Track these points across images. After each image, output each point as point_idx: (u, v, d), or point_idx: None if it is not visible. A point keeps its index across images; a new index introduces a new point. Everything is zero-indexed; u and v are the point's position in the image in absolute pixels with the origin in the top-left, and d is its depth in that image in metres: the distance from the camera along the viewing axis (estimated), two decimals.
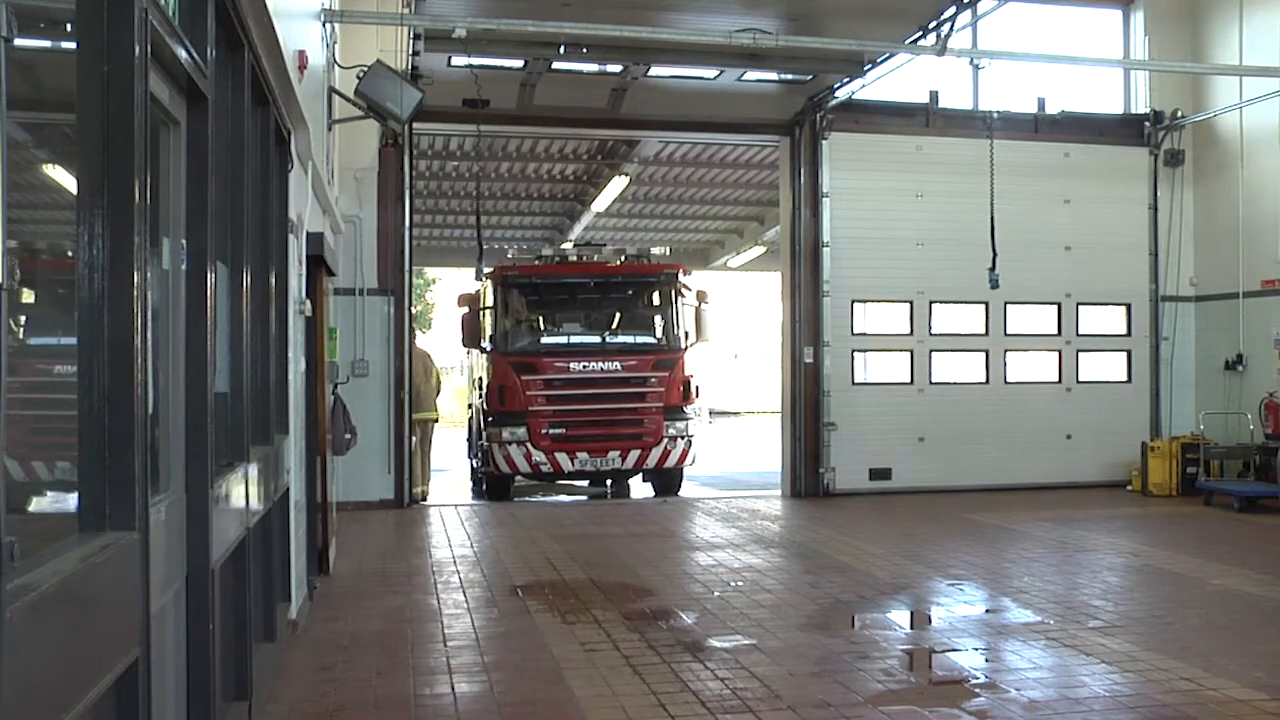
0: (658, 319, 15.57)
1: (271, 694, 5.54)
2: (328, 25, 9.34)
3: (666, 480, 15.41)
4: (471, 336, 15.33)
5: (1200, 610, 7.51)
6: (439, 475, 16.73)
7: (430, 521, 11.89)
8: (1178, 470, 13.74)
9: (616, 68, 13.64)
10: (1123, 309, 15.29)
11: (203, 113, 3.91)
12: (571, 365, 14.40)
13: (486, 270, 14.04)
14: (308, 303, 7.52)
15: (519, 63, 13.11)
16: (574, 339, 15.12)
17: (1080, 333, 15.11)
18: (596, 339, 15.10)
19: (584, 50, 12.05)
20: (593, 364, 14.47)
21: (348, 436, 9.40)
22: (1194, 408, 14.93)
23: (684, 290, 15.43)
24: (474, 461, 16.34)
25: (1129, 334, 15.29)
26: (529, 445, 14.19)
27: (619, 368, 14.58)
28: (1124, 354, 15.31)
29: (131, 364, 2.68)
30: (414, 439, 13.29)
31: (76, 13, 2.61)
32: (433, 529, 11.37)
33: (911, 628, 7.33)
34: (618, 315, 15.90)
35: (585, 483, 16.27)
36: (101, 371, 2.61)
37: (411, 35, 11.48)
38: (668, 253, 16.70)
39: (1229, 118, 14.56)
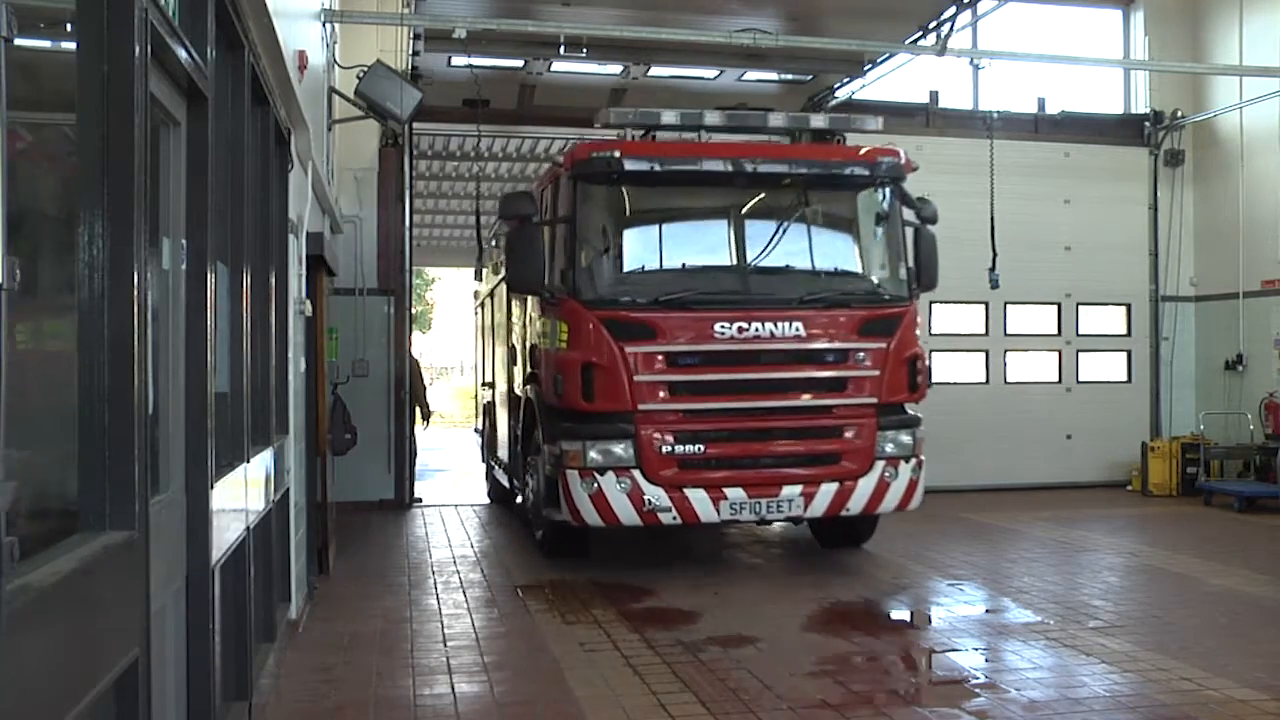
0: (866, 246, 9.26)
1: (271, 694, 5.54)
2: (328, 25, 9.35)
3: (853, 523, 9.34)
4: (526, 272, 8.59)
5: (1200, 610, 7.51)
6: (439, 475, 16.72)
7: (431, 521, 11.88)
8: (1178, 470, 13.73)
9: (616, 68, 13.64)
10: (1123, 309, 15.29)
11: (203, 113, 3.91)
12: (718, 327, 8.20)
13: (558, 160, 8.78)
14: (308, 303, 7.52)
15: (519, 63, 13.11)
16: (721, 282, 8.63)
17: (1080, 333, 15.10)
18: (764, 281, 8.66)
19: (584, 50, 12.05)
20: (757, 325, 8.27)
21: (347, 436, 9.40)
22: (1194, 408, 14.93)
23: (908, 198, 9.18)
24: (522, 486, 10.13)
25: (1129, 334, 15.28)
26: (637, 476, 8.09)
27: (801, 333, 8.37)
28: (1124, 354, 15.31)
29: (131, 364, 2.68)
30: None
31: (76, 13, 2.62)
32: (433, 529, 11.37)
33: (911, 628, 7.33)
34: (799, 237, 9.12)
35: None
36: (101, 371, 2.61)
37: (411, 35, 11.49)
38: (879, 125, 9.43)
39: (1229, 118, 14.55)
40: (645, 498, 8.13)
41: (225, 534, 4.25)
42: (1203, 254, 15.10)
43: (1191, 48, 15.01)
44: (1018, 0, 13.07)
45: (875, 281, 9.10)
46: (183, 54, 3.47)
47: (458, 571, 8.96)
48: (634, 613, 7.41)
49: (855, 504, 8.55)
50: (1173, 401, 15.13)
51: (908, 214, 9.12)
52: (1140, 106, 15.32)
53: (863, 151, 9.29)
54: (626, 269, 8.63)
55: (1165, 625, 7.09)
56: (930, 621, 7.44)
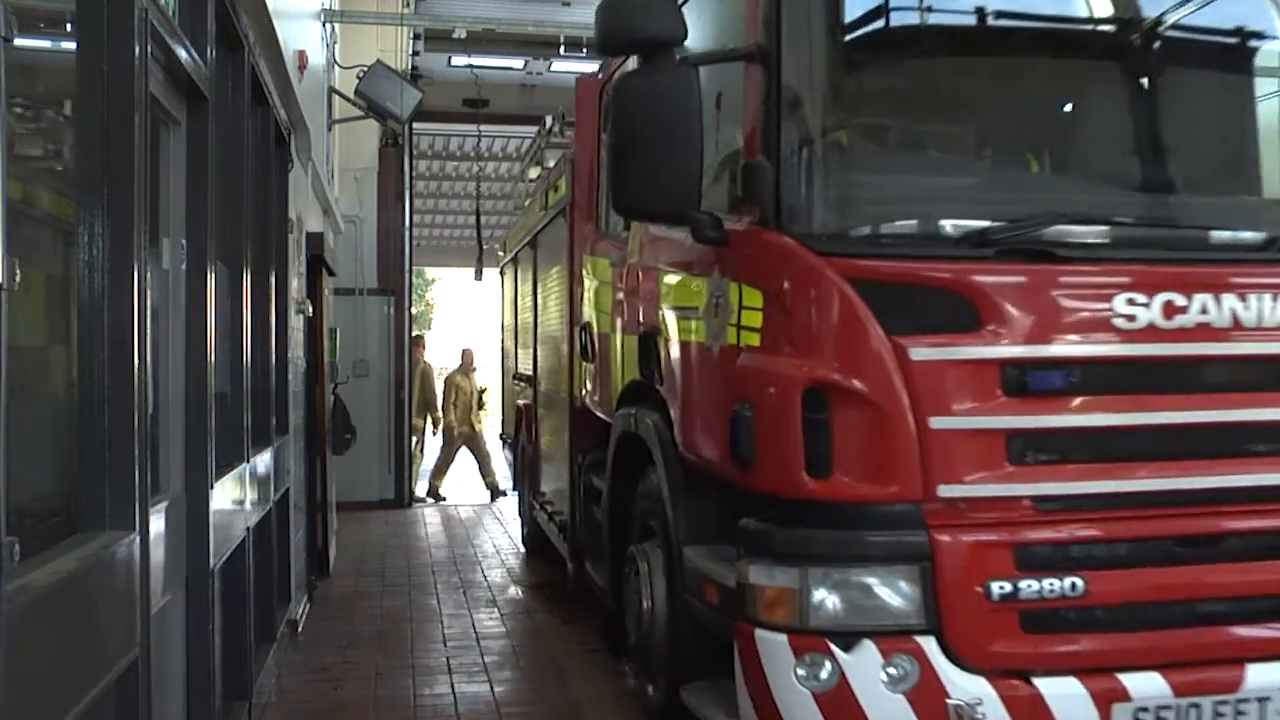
0: None
1: (272, 694, 5.54)
2: (328, 25, 9.36)
3: None
4: (659, 172, 3.63)
5: None
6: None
7: (431, 521, 11.88)
8: None
9: None
10: None
11: (203, 113, 3.92)
12: (1122, 304, 3.50)
13: None
14: (308, 303, 7.52)
15: (519, 62, 13.12)
16: (1111, 203, 3.89)
17: None
18: (1196, 206, 3.99)
19: (584, 50, 12.06)
20: (1205, 300, 3.54)
21: (347, 436, 9.40)
22: None
23: None
24: (611, 587, 5.63)
25: None
26: (932, 652, 3.38)
27: None
28: None
29: (131, 364, 2.68)
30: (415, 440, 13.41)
31: (76, 13, 2.62)
32: (433, 529, 11.37)
33: None
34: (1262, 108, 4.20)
35: None
36: (101, 371, 2.62)
37: (411, 35, 11.50)
38: None
39: None
40: (951, 704, 3.43)
41: (225, 534, 4.25)
42: None
43: None
44: None
45: None
46: (183, 54, 3.47)
47: (458, 571, 8.95)
48: None
49: None
50: None
51: None
52: None
53: None
54: (899, 170, 4.02)
55: None
56: None
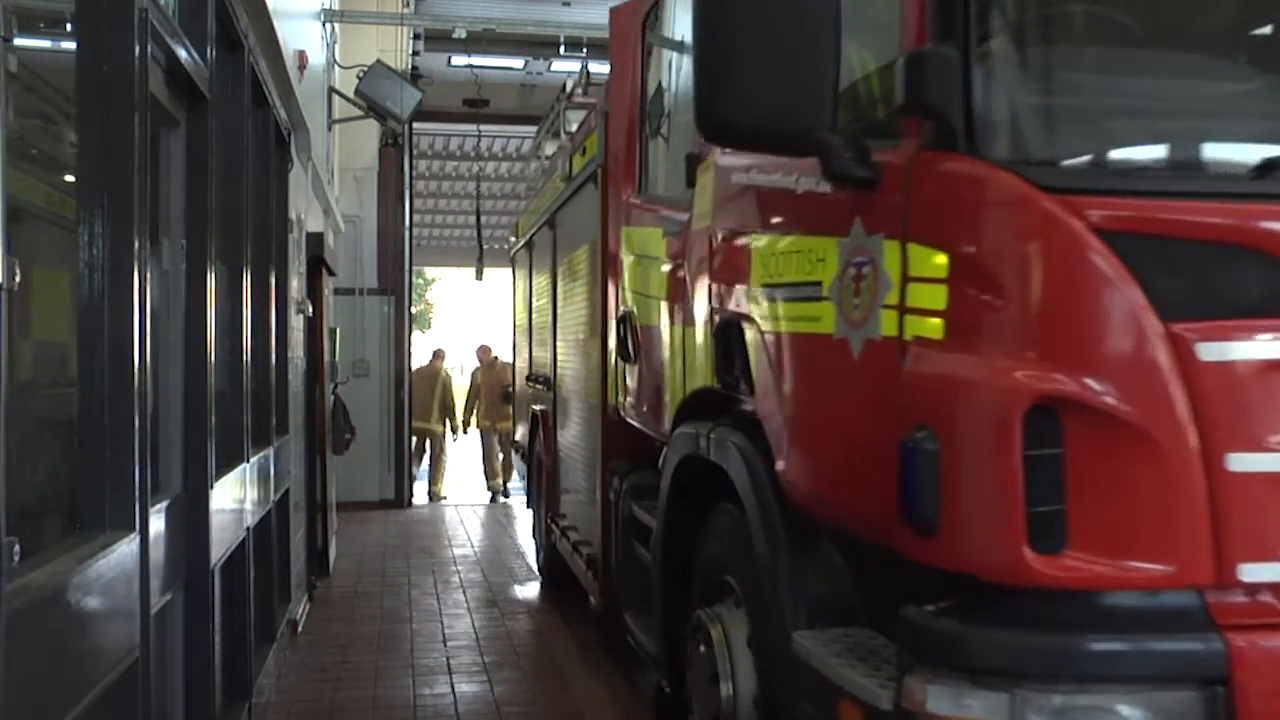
0: None
1: (271, 694, 5.54)
2: (328, 25, 9.36)
3: None
4: (779, 76, 2.34)
5: None
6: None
7: (431, 521, 11.88)
8: None
9: None
10: None
11: (203, 113, 3.91)
12: None
13: None
14: (308, 303, 7.52)
15: (519, 62, 13.13)
16: None
17: None
18: None
19: (584, 50, 12.07)
20: None
21: (347, 436, 9.41)
22: None
23: None
24: (661, 661, 4.28)
25: None
26: None
27: None
28: None
29: (131, 364, 2.68)
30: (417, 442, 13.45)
31: (76, 13, 2.62)
32: (433, 529, 11.37)
33: None
34: None
35: None
36: (101, 371, 2.62)
37: (411, 35, 11.50)
38: None
39: None
40: None
41: (225, 534, 4.25)
42: None
43: None
44: None
45: None
46: (183, 54, 3.47)
47: (458, 571, 8.95)
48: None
49: None
50: None
51: None
52: None
53: None
54: (1153, 67, 2.61)
55: None
56: None
